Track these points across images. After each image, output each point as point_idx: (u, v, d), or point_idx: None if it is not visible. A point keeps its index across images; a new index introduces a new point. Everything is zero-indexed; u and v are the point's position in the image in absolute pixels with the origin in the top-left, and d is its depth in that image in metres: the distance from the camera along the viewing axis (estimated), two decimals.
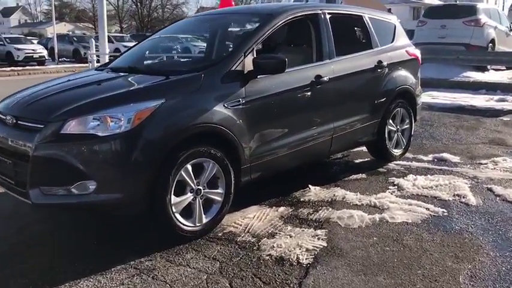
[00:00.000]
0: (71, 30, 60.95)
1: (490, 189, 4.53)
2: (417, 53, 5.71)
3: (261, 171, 4.00)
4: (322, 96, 4.38)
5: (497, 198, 4.32)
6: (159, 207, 3.27)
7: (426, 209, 4.04)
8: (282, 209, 4.10)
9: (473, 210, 4.05)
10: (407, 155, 5.71)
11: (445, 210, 4.01)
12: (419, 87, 5.85)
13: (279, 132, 4.05)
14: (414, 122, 5.70)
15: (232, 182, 3.69)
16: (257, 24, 4.20)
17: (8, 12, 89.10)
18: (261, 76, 3.85)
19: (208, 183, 3.57)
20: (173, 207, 3.33)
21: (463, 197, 4.31)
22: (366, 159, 5.57)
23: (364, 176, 5.00)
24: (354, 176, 4.98)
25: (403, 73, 5.38)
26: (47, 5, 75.73)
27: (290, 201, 4.29)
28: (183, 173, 3.35)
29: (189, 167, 3.39)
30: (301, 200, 4.32)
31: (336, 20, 4.69)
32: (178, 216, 3.39)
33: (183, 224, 3.41)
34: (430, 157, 5.66)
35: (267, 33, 4.04)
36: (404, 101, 5.42)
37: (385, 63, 5.07)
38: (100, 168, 3.12)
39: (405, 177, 4.85)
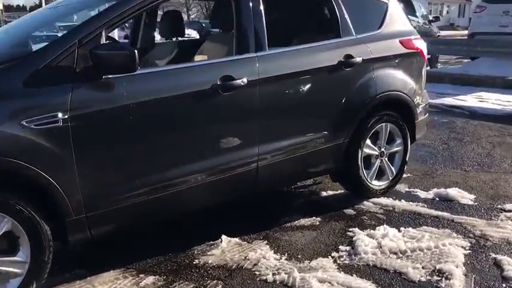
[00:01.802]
0: None
1: (497, 264, 2.85)
2: (420, 45, 4.00)
3: (112, 223, 2.62)
4: (234, 107, 2.91)
5: (505, 285, 2.64)
6: None
7: None
8: (151, 279, 2.68)
9: None
10: (400, 187, 4.07)
11: None
12: (424, 93, 4.15)
13: (147, 163, 2.64)
14: (411, 142, 4.03)
15: (46, 243, 2.33)
16: None
17: None
18: (113, 76, 2.44)
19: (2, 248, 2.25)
20: None
21: (446, 278, 2.68)
22: (339, 192, 4.00)
23: (317, 221, 3.46)
24: (302, 221, 3.45)
25: (392, 73, 3.74)
26: None
27: (175, 264, 2.87)
28: None
29: None
30: (193, 263, 2.89)
31: None
32: None
33: None
34: (431, 193, 3.97)
35: (127, 11, 2.59)
36: (393, 113, 3.78)
37: (358, 59, 3.46)
38: None
39: (374, 230, 3.26)
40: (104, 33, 2.47)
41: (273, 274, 2.72)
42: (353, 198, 3.83)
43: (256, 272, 2.75)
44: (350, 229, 3.30)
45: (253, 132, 3.00)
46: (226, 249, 3.02)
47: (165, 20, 3.83)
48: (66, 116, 2.30)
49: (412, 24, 4.22)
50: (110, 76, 2.43)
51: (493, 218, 3.51)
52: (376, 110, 3.63)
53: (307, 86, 3.24)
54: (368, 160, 3.76)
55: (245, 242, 3.13)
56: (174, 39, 4.01)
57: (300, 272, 2.71)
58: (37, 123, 2.23)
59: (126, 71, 2.40)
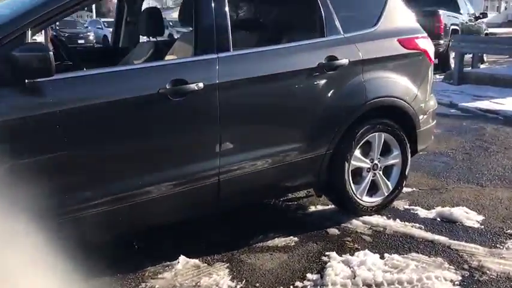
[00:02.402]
0: None
1: None
2: (425, 44, 3.54)
3: None
4: (187, 115, 2.60)
5: None
6: None
7: None
8: None
9: None
10: (398, 204, 3.64)
11: None
12: (431, 98, 3.69)
13: (78, 177, 2.37)
14: (413, 154, 3.58)
15: None
16: None
17: None
18: (40, 80, 2.19)
19: None
20: None
21: None
22: (328, 207, 3.61)
23: (293, 241, 3.10)
24: (277, 241, 3.10)
25: (387, 77, 3.31)
26: None
27: (119, 286, 2.59)
28: None
29: None
30: (139, 286, 2.60)
31: None
32: None
33: None
34: (433, 212, 3.52)
35: (57, 8, 2.32)
36: (388, 122, 3.35)
37: (343, 61, 3.06)
38: None
39: (352, 255, 2.87)
40: (29, 33, 2.21)
41: None
42: (342, 216, 3.44)
43: None
44: (327, 253, 2.92)
45: (212, 142, 2.68)
46: (180, 272, 2.72)
47: (143, 18, 3.57)
48: None
49: (454, 22, 3.75)
50: (37, 80, 2.18)
51: (498, 245, 3.04)
52: (366, 117, 3.23)
53: (278, 92, 2.89)
54: (358, 174, 3.36)
55: (205, 264, 2.82)
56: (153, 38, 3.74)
57: None
58: None
59: (43, 75, 2.14)
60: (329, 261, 2.81)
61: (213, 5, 2.69)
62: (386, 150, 3.44)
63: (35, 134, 2.22)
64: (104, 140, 2.39)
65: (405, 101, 3.36)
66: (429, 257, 2.88)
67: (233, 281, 2.63)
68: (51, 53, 2.11)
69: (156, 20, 3.38)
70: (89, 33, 22.64)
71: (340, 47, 3.11)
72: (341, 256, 2.87)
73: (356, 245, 3.04)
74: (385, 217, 3.43)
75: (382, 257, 2.85)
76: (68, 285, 2.41)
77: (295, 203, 3.75)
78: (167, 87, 2.48)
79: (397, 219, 3.40)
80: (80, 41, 21.29)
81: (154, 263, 2.81)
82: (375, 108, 3.25)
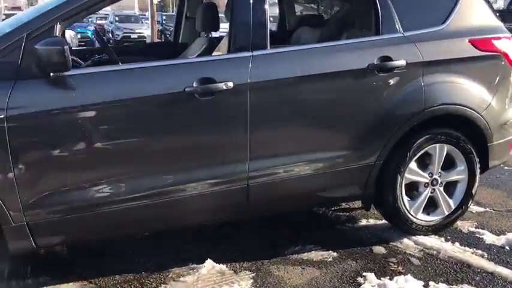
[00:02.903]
0: None
1: None
2: (504, 46, 3.07)
3: (61, 235, 2.40)
4: (214, 115, 2.48)
5: None
6: None
7: None
8: None
9: None
10: (463, 225, 3.25)
11: None
12: (510, 108, 3.21)
13: (100, 174, 2.36)
14: (483, 170, 3.15)
15: None
16: None
17: None
18: (66, 74, 2.22)
19: None
20: None
21: None
22: (381, 222, 3.29)
23: (331, 256, 2.87)
24: (313, 254, 2.89)
25: (453, 81, 2.93)
26: None
27: (140, 285, 2.56)
28: None
29: None
30: None
31: None
32: None
33: None
34: (502, 239, 3.07)
35: (83, 4, 2.31)
36: (453, 133, 2.97)
37: (399, 62, 2.75)
38: None
39: (391, 279, 2.58)
40: (57, 27, 2.23)
41: None
42: (393, 233, 3.13)
43: None
44: (364, 273, 2.66)
45: (240, 145, 2.54)
46: (203, 276, 2.63)
47: (199, 13, 3.51)
48: (3, 116, 2.12)
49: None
50: (63, 74, 2.20)
51: None
52: (424, 126, 2.89)
53: (319, 94, 2.66)
54: (414, 188, 3.03)
55: (231, 271, 2.69)
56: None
57: None
58: None
59: (61, 69, 2.14)
60: (364, 283, 2.56)
61: (250, 0, 2.53)
62: (449, 164, 3.05)
63: (58, 127, 2.24)
64: (125, 135, 2.36)
65: (474, 110, 2.95)
66: None
67: None
68: (66, 47, 2.10)
69: (211, 15, 3.29)
70: None
71: (396, 46, 2.80)
72: (379, 279, 2.59)
73: (400, 268, 2.73)
74: (443, 239, 3.06)
75: (426, 285, 2.54)
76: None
77: (347, 213, 3.49)
78: (194, 86, 2.38)
79: (456, 243, 3.01)
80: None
81: (181, 265, 2.75)
82: (436, 116, 2.89)
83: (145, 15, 27.46)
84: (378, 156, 2.83)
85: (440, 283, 2.56)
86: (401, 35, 2.84)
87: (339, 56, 2.70)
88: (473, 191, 3.13)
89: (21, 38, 2.20)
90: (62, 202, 2.30)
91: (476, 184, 3.12)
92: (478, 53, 2.98)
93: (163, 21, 23.94)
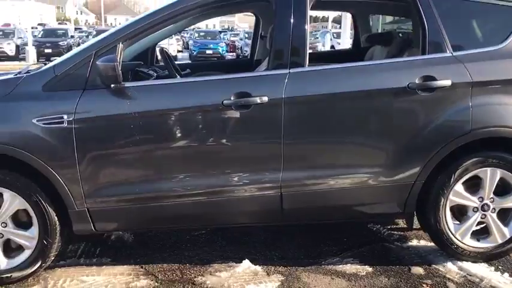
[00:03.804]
0: None
1: None
2: None
3: (115, 222, 2.82)
4: (249, 126, 2.72)
5: None
6: None
7: None
8: (143, 282, 2.79)
9: None
10: None
11: None
12: None
13: (149, 172, 2.74)
14: None
15: (51, 224, 2.70)
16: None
17: None
18: (132, 85, 2.67)
19: (15, 222, 2.74)
20: None
21: None
22: (430, 244, 3.21)
23: (365, 270, 2.92)
24: (348, 266, 2.96)
25: (506, 103, 2.80)
26: None
27: (179, 274, 2.89)
28: None
29: None
30: (194, 278, 2.85)
31: (328, 4, 2.82)
32: None
33: None
34: None
35: (140, 27, 2.72)
36: (507, 157, 2.84)
37: (443, 82, 2.73)
38: None
39: None
40: (119, 46, 2.66)
41: None
42: (440, 256, 3.06)
43: None
44: None
45: (274, 156, 2.73)
46: (236, 274, 2.86)
47: (270, 33, 3.79)
48: (72, 119, 2.60)
49: None
50: (122, 85, 2.62)
51: None
52: (471, 148, 2.81)
53: (354, 111, 2.76)
54: (463, 212, 2.94)
55: (264, 273, 2.89)
56: None
57: None
58: (46, 122, 2.59)
59: (112, 82, 2.55)
60: None
61: (291, 20, 2.74)
62: (504, 191, 2.91)
63: (114, 130, 2.66)
64: (169, 140, 2.70)
65: None
66: None
67: None
68: (117, 63, 2.50)
69: None
70: (317, 44, 23.77)
71: (442, 66, 2.77)
72: None
73: None
74: (492, 268, 2.92)
75: None
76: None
77: (401, 233, 3.46)
78: (231, 99, 2.64)
79: (507, 274, 2.86)
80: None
81: (222, 262, 3.02)
82: (486, 138, 2.80)
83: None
84: (418, 176, 2.82)
85: None
86: (450, 54, 2.80)
87: (375, 75, 2.77)
88: None
89: (90, 55, 2.66)
90: (115, 194, 2.71)
91: None
92: None
93: None
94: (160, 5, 2.87)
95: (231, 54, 24.57)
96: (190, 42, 25.51)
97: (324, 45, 22.79)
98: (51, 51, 22.38)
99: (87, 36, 25.66)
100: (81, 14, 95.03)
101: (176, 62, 3.87)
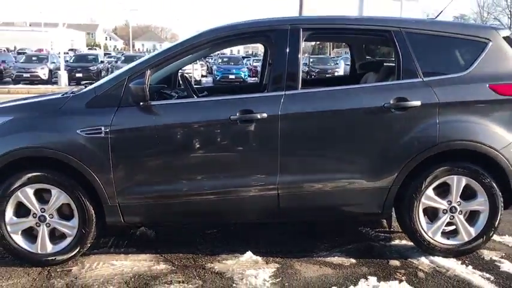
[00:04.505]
0: None
1: None
2: None
3: (141, 216, 3.42)
4: (251, 137, 3.30)
5: None
6: None
7: None
8: (162, 266, 3.36)
9: None
10: (489, 254, 3.52)
11: None
12: None
13: (169, 174, 3.33)
14: (508, 205, 3.43)
15: (88, 216, 3.31)
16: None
17: None
18: (157, 103, 3.31)
19: (60, 214, 3.36)
20: None
21: None
22: (409, 243, 3.69)
23: (349, 262, 3.43)
24: (335, 258, 3.48)
25: (470, 121, 3.33)
26: None
27: (192, 261, 3.45)
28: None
29: (29, 190, 3.28)
30: (205, 264, 3.41)
31: (322, 37, 3.40)
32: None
33: None
34: None
35: (166, 57, 3.38)
36: (472, 166, 3.36)
37: (414, 103, 3.28)
38: None
39: (385, 282, 3.07)
40: (147, 72, 3.29)
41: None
42: (416, 252, 3.55)
43: (232, 282, 3.10)
44: (369, 277, 3.18)
45: (272, 162, 3.30)
46: (240, 262, 3.41)
47: None
48: (108, 130, 3.23)
49: None
50: (150, 103, 3.25)
51: None
52: (439, 159, 3.33)
53: (337, 126, 3.32)
54: (434, 214, 3.45)
55: (263, 262, 3.43)
56: None
57: None
58: (87, 133, 3.23)
59: (141, 101, 3.18)
60: (363, 283, 3.09)
61: (287, 51, 3.35)
62: (470, 196, 3.41)
63: (142, 139, 3.28)
64: (186, 148, 3.29)
65: (492, 148, 3.30)
66: None
67: (269, 278, 3.18)
68: (145, 86, 3.13)
69: None
70: (337, 69, 24.45)
71: (413, 89, 3.33)
72: (378, 282, 3.10)
73: (403, 277, 3.19)
74: (460, 262, 3.40)
75: None
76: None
77: (386, 234, 3.97)
78: (237, 115, 3.24)
79: (470, 266, 3.34)
80: (327, 75, 23.06)
81: (228, 253, 3.57)
82: (451, 150, 3.32)
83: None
84: (394, 182, 3.35)
85: None
86: (421, 80, 3.36)
87: (355, 96, 3.35)
88: (495, 223, 3.41)
89: (124, 79, 3.31)
90: (141, 192, 3.31)
91: (499, 216, 3.40)
92: (499, 96, 3.35)
93: (311, 63, 25.43)
94: (184, 35, 3.54)
95: (254, 78, 25.31)
96: (214, 67, 26.42)
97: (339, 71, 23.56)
98: (81, 76, 23.60)
99: (116, 62, 26.81)
100: (110, 39, 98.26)
101: (198, 86, 4.52)
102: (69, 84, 21.99)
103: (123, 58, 26.44)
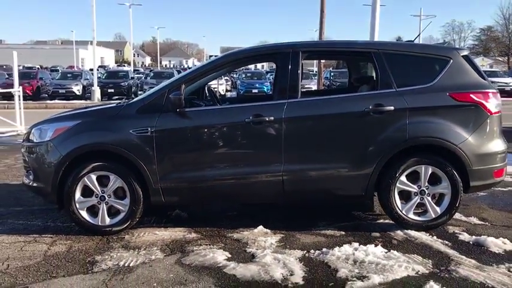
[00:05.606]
0: None
1: None
2: (480, 98, 4.27)
3: (177, 196, 4.42)
4: (262, 135, 4.28)
5: None
6: None
7: None
8: (194, 235, 4.35)
9: None
10: (453, 229, 4.41)
11: None
12: (490, 143, 4.32)
13: (198, 164, 4.33)
14: (467, 189, 4.32)
15: (137, 197, 4.33)
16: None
17: None
18: (190, 109, 4.32)
19: (116, 195, 4.39)
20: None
21: None
22: (390, 222, 4.58)
23: (340, 233, 4.36)
24: (330, 231, 4.42)
25: (433, 121, 4.24)
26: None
27: (217, 232, 4.43)
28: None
29: (93, 176, 4.33)
30: (227, 234, 4.38)
31: (317, 57, 4.38)
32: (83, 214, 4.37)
33: None
34: (472, 238, 4.17)
35: (198, 73, 4.43)
36: (437, 158, 4.27)
37: (388, 108, 4.22)
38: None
39: (364, 245, 3.98)
40: (182, 86, 4.32)
41: (257, 249, 3.98)
42: (394, 228, 4.44)
43: (246, 245, 4.06)
44: (352, 242, 4.09)
45: (278, 154, 4.27)
46: (253, 232, 4.38)
47: None
48: (153, 130, 4.26)
49: None
50: (184, 110, 4.28)
51: (493, 265, 3.64)
52: (409, 151, 4.25)
53: (329, 126, 4.28)
54: (407, 195, 4.36)
55: (271, 233, 4.39)
56: None
57: (274, 253, 3.88)
58: (138, 132, 4.27)
59: (178, 108, 4.20)
60: (346, 246, 4.00)
61: (289, 68, 4.34)
62: (436, 181, 4.32)
63: (178, 137, 4.30)
64: (215, 144, 4.29)
65: (450, 142, 4.21)
66: (423, 258, 3.75)
67: (275, 242, 4.13)
68: (181, 96, 4.16)
69: None
70: None
71: (388, 98, 4.27)
72: (359, 246, 4.00)
73: (379, 243, 4.09)
74: (428, 234, 4.29)
75: (387, 252, 3.87)
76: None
77: (374, 216, 4.88)
78: (250, 118, 4.24)
79: (435, 236, 4.23)
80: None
81: (245, 227, 4.53)
82: (418, 145, 4.24)
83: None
84: (374, 169, 4.28)
85: (398, 252, 3.87)
86: (394, 90, 4.30)
87: (343, 103, 4.32)
88: (457, 203, 4.31)
89: (165, 92, 4.35)
90: (177, 178, 4.31)
91: (459, 198, 4.29)
92: (456, 102, 4.27)
93: (331, 77, 26.39)
94: (209, 51, 4.64)
95: None
96: (238, 82, 27.65)
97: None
98: (113, 91, 25.04)
99: (145, 78, 28.25)
100: (137, 56, 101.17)
101: (221, 97, 5.55)
102: (101, 99, 23.40)
103: (152, 74, 27.92)
